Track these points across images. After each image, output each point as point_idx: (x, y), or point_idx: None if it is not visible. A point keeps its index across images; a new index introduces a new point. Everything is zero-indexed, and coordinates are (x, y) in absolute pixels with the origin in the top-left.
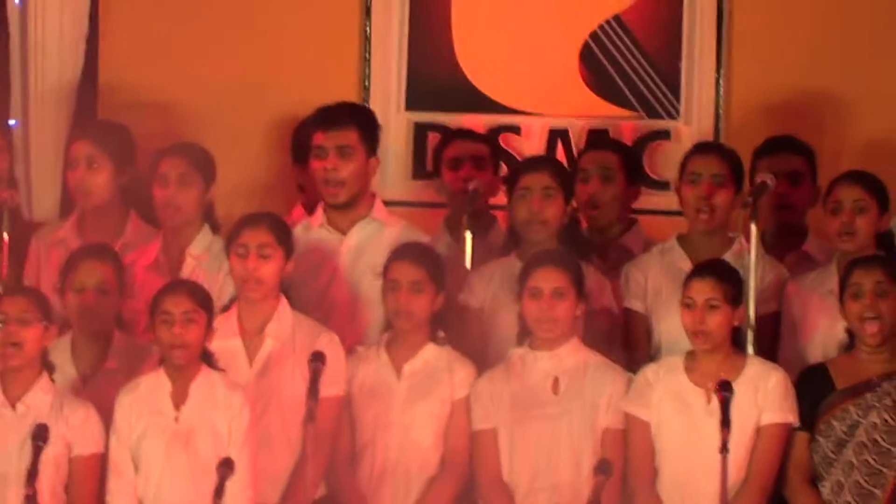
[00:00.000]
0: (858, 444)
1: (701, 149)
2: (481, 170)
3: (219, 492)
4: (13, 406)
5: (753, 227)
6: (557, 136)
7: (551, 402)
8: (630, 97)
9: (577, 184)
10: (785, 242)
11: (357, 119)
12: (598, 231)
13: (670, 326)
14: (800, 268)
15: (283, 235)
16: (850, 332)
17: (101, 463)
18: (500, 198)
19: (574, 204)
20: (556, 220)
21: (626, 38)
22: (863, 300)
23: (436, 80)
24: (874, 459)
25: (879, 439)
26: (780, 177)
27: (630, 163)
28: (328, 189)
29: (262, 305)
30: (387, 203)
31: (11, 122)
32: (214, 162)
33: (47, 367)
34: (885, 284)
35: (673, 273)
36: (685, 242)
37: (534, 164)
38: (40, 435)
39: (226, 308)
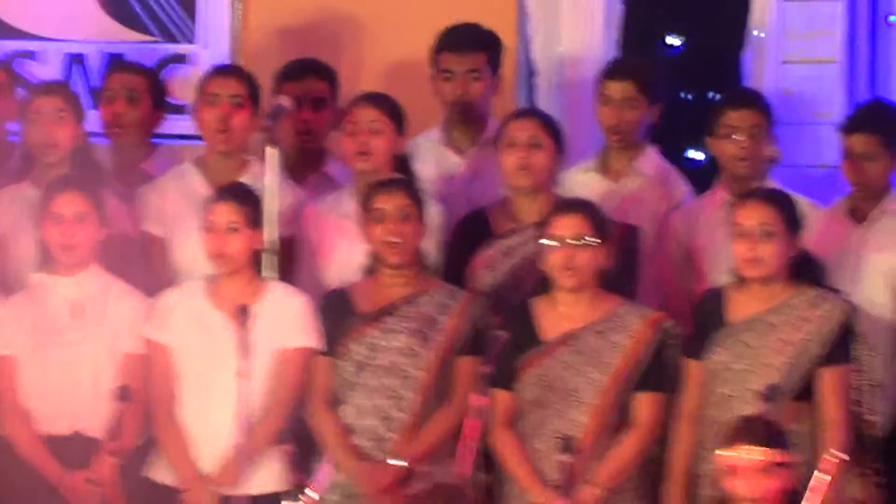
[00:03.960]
0: (380, 367)
1: (221, 71)
2: None
3: None
4: None
5: (270, 150)
6: (74, 60)
7: (71, 327)
8: (147, 22)
9: (103, 104)
10: (306, 165)
11: None
12: (121, 154)
13: (188, 250)
14: (321, 189)
15: None
16: (371, 256)
17: None
18: None
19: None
20: (69, 142)
21: None
22: (386, 224)
23: None
24: (396, 383)
25: (400, 363)
26: (303, 102)
27: (155, 87)
28: None
29: None
30: None
31: None
32: None
33: None
34: (409, 208)
35: (190, 196)
36: (202, 165)
37: (44, 89)
38: None
39: None
